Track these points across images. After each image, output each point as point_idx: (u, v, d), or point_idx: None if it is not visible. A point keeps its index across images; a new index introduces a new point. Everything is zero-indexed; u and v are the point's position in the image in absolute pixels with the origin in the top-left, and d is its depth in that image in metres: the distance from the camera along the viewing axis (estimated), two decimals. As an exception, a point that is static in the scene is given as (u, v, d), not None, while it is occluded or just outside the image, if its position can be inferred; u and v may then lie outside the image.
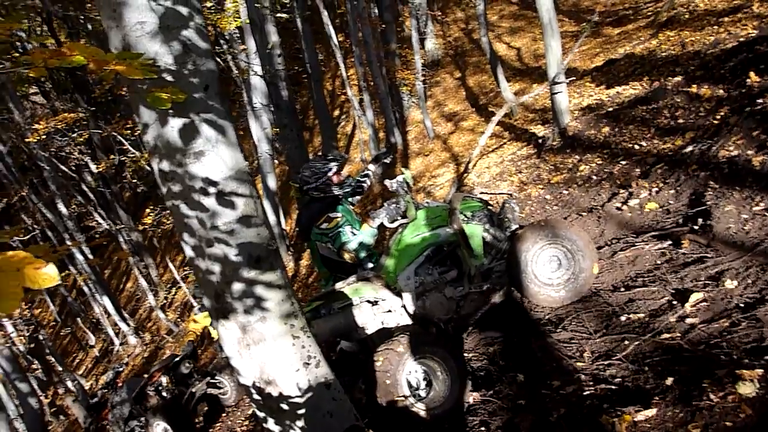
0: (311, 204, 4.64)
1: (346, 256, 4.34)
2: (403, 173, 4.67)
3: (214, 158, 2.64)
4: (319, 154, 14.61)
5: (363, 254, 4.40)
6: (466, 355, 4.59)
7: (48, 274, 1.38)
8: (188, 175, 2.64)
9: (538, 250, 4.31)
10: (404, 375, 3.90)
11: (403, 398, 3.81)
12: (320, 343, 3.95)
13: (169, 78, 2.51)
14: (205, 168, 2.64)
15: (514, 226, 4.71)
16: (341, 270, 4.61)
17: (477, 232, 4.52)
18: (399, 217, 4.52)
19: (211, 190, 2.66)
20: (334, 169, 4.62)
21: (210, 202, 2.68)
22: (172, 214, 2.86)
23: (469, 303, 4.55)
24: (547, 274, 4.39)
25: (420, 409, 3.86)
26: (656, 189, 5.38)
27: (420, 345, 3.98)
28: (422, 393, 4.00)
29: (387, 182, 4.63)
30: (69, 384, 13.61)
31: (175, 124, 2.56)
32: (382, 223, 4.46)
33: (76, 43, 1.92)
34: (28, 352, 14.19)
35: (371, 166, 5.15)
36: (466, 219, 4.53)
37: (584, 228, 5.62)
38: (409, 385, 3.95)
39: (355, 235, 4.40)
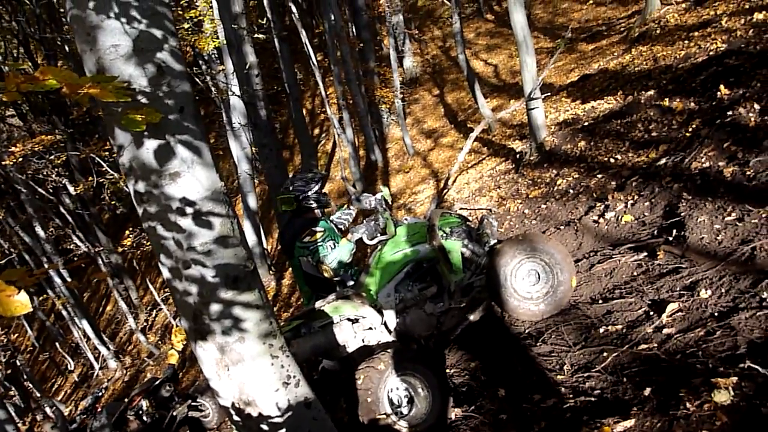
0: (294, 220, 4.66)
1: (324, 270, 4.35)
2: (381, 191, 4.70)
3: (190, 179, 2.64)
4: (298, 171, 14.63)
5: (340, 270, 4.41)
6: (447, 370, 4.60)
7: (20, 302, 1.38)
8: (164, 196, 2.63)
9: (516, 264, 4.32)
10: (385, 392, 3.88)
11: (384, 416, 3.78)
12: (301, 363, 3.94)
13: (143, 100, 2.51)
14: (181, 189, 2.63)
15: (492, 241, 4.76)
16: (324, 288, 4.61)
17: (456, 247, 4.54)
18: (378, 234, 4.53)
19: (188, 210, 2.65)
20: (322, 182, 4.74)
21: (186, 222, 2.67)
22: (148, 235, 2.85)
23: (450, 319, 4.58)
24: (526, 288, 4.41)
25: (402, 426, 3.83)
26: (632, 201, 5.45)
27: (401, 362, 3.96)
28: (404, 410, 3.97)
29: (365, 200, 4.65)
30: (48, 410, 13.35)
31: (150, 145, 2.56)
32: (361, 239, 4.48)
33: (50, 67, 1.91)
34: (4, 378, 13.92)
35: (353, 208, 5.14)
36: (444, 235, 4.56)
37: (562, 241, 5.68)
38: (391, 403, 3.93)
39: (333, 249, 4.42)
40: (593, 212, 5.83)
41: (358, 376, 3.87)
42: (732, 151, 4.88)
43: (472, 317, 4.59)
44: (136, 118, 2.30)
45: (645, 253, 4.60)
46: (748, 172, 4.49)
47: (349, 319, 4.42)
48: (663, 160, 5.71)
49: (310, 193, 4.62)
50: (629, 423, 2.97)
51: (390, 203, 4.72)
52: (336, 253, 4.41)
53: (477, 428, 3.75)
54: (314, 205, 4.65)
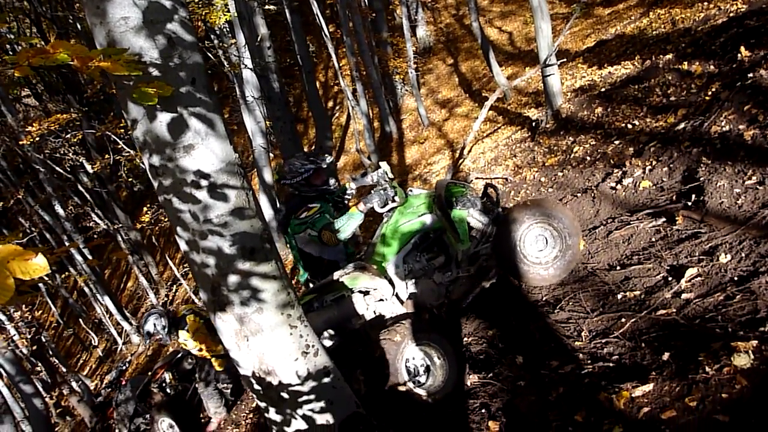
0: (293, 197, 4.68)
1: (326, 237, 4.31)
2: (380, 167, 4.67)
3: (205, 151, 2.65)
4: (310, 150, 14.60)
5: (343, 236, 4.39)
6: (465, 339, 4.62)
7: (38, 265, 1.39)
8: (179, 169, 2.64)
9: (525, 229, 4.36)
10: (403, 362, 3.92)
11: (403, 385, 3.83)
12: (319, 335, 4.01)
13: (155, 72, 2.51)
14: (196, 161, 2.64)
15: (497, 210, 4.77)
16: (318, 269, 4.63)
17: (462, 217, 4.55)
18: (389, 201, 4.53)
19: (203, 183, 2.67)
20: (311, 172, 4.64)
21: (202, 195, 2.68)
22: (165, 208, 2.87)
23: (459, 287, 4.61)
24: (535, 253, 4.45)
25: (421, 394, 3.89)
26: (649, 167, 5.38)
27: (416, 332, 4.01)
28: (422, 379, 4.03)
29: (369, 176, 4.63)
30: (74, 385, 13.66)
31: (164, 118, 2.57)
32: (372, 208, 4.47)
33: (61, 41, 1.91)
34: (31, 354, 14.21)
35: (353, 185, 5.11)
36: (450, 205, 4.56)
37: (579, 209, 5.64)
38: (409, 372, 3.97)
39: (340, 217, 4.43)
40: (610, 179, 5.77)
41: (376, 348, 3.90)
42: (752, 114, 4.79)
43: (482, 285, 4.60)
44: (148, 91, 2.31)
45: (663, 219, 4.55)
46: (768, 135, 4.42)
47: (360, 291, 4.44)
48: (682, 125, 5.62)
49: (290, 181, 4.60)
50: (648, 387, 2.97)
51: (391, 177, 4.69)
52: (344, 221, 4.40)
53: (495, 395, 3.77)
54: (293, 191, 4.64)
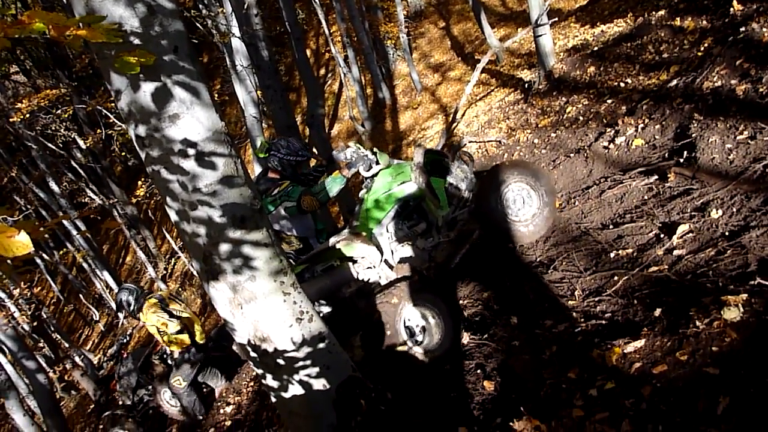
0: (260, 181, 4.64)
1: (307, 201, 4.29)
2: (348, 146, 4.64)
3: (191, 120, 2.62)
4: (303, 123, 14.50)
5: (325, 199, 4.37)
6: (461, 302, 4.65)
7: (20, 242, 1.39)
8: (165, 139, 2.62)
9: (504, 189, 4.53)
10: (402, 323, 3.99)
11: (403, 344, 3.90)
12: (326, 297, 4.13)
13: (136, 41, 2.47)
14: (182, 131, 2.62)
15: (469, 175, 4.86)
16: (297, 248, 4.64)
17: (440, 184, 4.64)
18: (374, 165, 4.53)
19: (190, 152, 2.65)
20: (305, 159, 4.69)
21: (190, 164, 2.67)
22: (153, 180, 2.86)
23: (441, 252, 4.69)
24: (514, 212, 4.63)
25: (419, 353, 3.96)
26: (642, 125, 5.37)
27: (412, 293, 4.07)
28: (419, 338, 4.10)
29: (340, 153, 4.57)
30: (77, 359, 13.77)
31: (147, 88, 2.54)
32: (357, 173, 4.50)
33: (37, 10, 1.88)
34: (32, 330, 14.29)
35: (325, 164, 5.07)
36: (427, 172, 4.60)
37: (572, 169, 5.64)
38: (408, 332, 4.03)
39: (324, 181, 4.44)
40: (603, 138, 5.75)
41: (374, 312, 3.94)
42: (745, 69, 4.76)
43: (466, 246, 4.70)
44: (130, 60, 2.28)
45: (656, 177, 4.56)
46: (761, 89, 4.39)
47: (350, 259, 4.46)
48: (674, 82, 5.59)
49: (281, 156, 4.59)
50: (639, 343, 3.00)
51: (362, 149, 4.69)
52: (326, 184, 4.41)
53: (490, 355, 3.81)
54: (276, 167, 4.61)
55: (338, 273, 4.41)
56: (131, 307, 6.69)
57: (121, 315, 16.92)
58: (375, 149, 4.58)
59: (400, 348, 3.86)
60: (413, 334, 4.10)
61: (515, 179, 4.59)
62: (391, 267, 4.45)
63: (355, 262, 4.47)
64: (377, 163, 4.55)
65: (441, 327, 4.08)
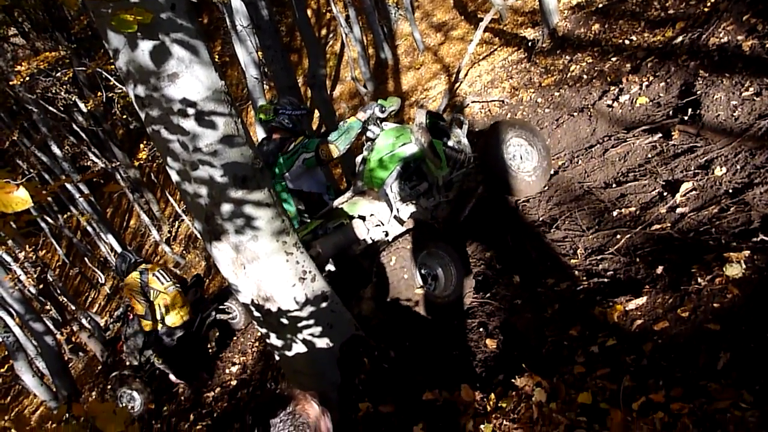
0: (267, 143, 4.61)
1: (325, 150, 4.26)
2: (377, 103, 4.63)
3: (190, 79, 2.60)
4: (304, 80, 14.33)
5: (343, 146, 4.34)
6: (464, 262, 4.67)
7: (19, 198, 1.38)
8: (165, 99, 2.60)
9: (505, 144, 4.73)
10: (418, 269, 4.04)
11: (420, 289, 3.94)
12: (327, 261, 4.15)
13: (133, -1, 2.43)
14: (181, 90, 2.59)
15: (463, 139, 4.92)
16: (308, 207, 4.63)
17: (438, 145, 4.69)
18: (388, 107, 4.56)
19: (190, 111, 2.62)
20: (305, 112, 4.73)
21: (190, 124, 2.65)
22: (153, 140, 2.84)
23: (441, 211, 4.77)
24: (516, 165, 4.81)
25: (435, 297, 4.03)
26: (647, 83, 5.30)
27: (427, 240, 4.18)
28: (432, 284, 4.20)
29: (361, 114, 4.56)
30: (84, 321, 13.89)
31: (145, 46, 2.50)
32: (372, 114, 4.51)
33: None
34: (39, 293, 14.39)
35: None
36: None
37: (576, 128, 5.59)
38: (422, 278, 4.10)
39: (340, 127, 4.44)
40: (607, 96, 5.69)
41: (390, 258, 3.99)
42: (751, 24, 4.68)
43: (473, 200, 4.90)
44: (127, 18, 2.24)
45: (660, 135, 4.52)
46: (767, 45, 4.33)
47: (360, 217, 4.47)
48: (680, 38, 5.50)
49: (290, 112, 4.59)
50: (641, 300, 3.02)
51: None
52: (341, 130, 4.38)
53: (492, 314, 3.84)
54: (288, 124, 4.59)
55: (349, 230, 4.42)
56: (123, 274, 6.76)
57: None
58: (382, 99, 4.63)
59: (417, 291, 3.91)
60: (427, 280, 4.18)
61: (515, 135, 4.83)
62: (401, 222, 4.47)
63: (364, 219, 4.48)
64: (387, 107, 4.59)
65: (453, 273, 4.19)
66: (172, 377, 6.96)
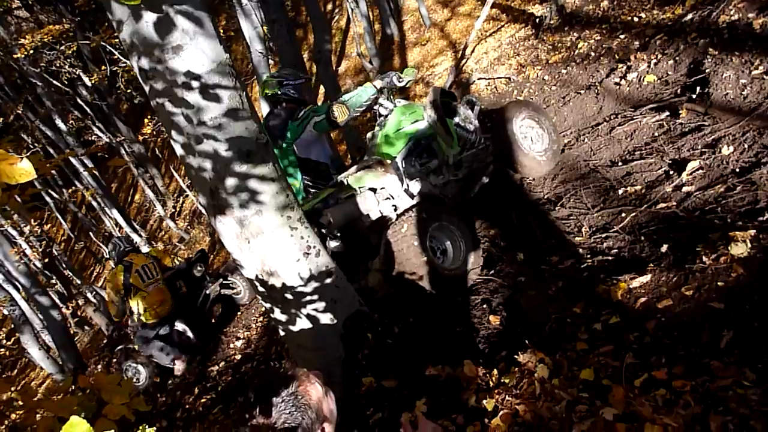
0: (274, 112, 4.61)
1: (338, 110, 4.22)
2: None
3: (194, 51, 2.58)
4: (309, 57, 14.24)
5: (354, 106, 4.33)
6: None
7: (23, 169, 1.38)
8: (169, 71, 2.58)
9: (519, 121, 4.79)
10: (428, 240, 4.05)
11: (431, 260, 3.96)
12: (338, 229, 4.22)
13: (136, -31, 2.40)
14: (186, 62, 2.57)
15: (474, 120, 4.89)
16: (315, 175, 4.63)
17: (450, 123, 4.65)
18: (405, 77, 4.55)
19: (194, 84, 2.61)
20: (304, 81, 4.76)
21: (194, 97, 2.63)
22: (158, 113, 2.83)
23: (450, 189, 4.74)
24: (528, 146, 4.83)
25: (443, 269, 4.05)
26: (655, 61, 5.25)
27: (439, 213, 4.22)
28: (441, 258, 4.23)
29: (378, 81, 4.54)
30: (89, 295, 13.97)
31: (149, 18, 2.48)
32: (390, 81, 4.49)
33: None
34: (44, 267, 14.46)
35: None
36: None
37: (582, 106, 5.56)
38: (432, 251, 4.13)
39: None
40: (615, 74, 5.64)
41: (401, 225, 4.02)
42: (763, 2, 4.62)
43: (483, 178, 4.82)
44: (130, -12, 2.22)
45: (667, 113, 4.48)
46: (779, 23, 4.28)
47: (371, 189, 4.47)
48: (689, 16, 5.43)
49: (294, 82, 4.61)
50: (645, 278, 3.02)
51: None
52: (355, 92, 4.39)
53: (496, 291, 3.84)
54: (294, 94, 4.59)
55: (360, 201, 4.43)
56: (114, 260, 6.98)
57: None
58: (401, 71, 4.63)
59: (428, 263, 3.93)
60: (436, 253, 4.20)
61: (527, 116, 4.89)
62: (411, 197, 4.47)
63: (375, 192, 4.48)
64: (405, 77, 4.58)
65: (462, 247, 4.22)
66: (165, 362, 7.03)
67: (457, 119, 4.76)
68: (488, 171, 4.82)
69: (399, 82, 4.49)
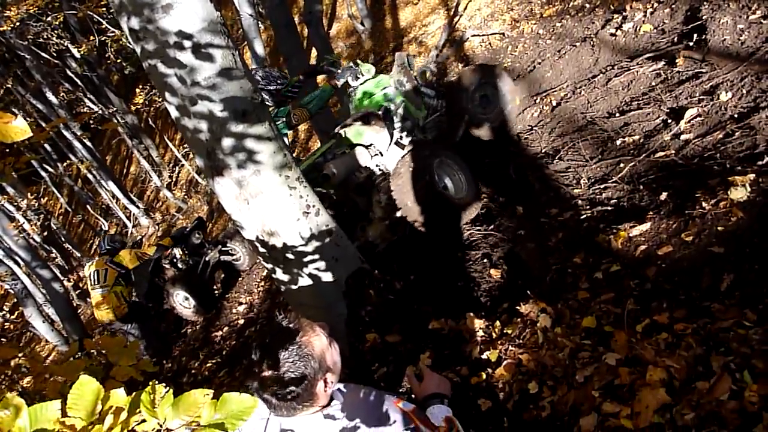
0: None
1: (297, 114, 4.51)
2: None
3: (184, 9, 2.53)
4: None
5: (315, 109, 4.64)
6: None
7: (18, 127, 1.36)
8: (160, 31, 2.55)
9: (472, 90, 4.95)
10: (435, 171, 4.17)
11: (442, 192, 4.13)
12: (342, 180, 4.38)
13: (121, -75, 2.35)
14: (176, 21, 2.53)
15: (430, 91, 5.13)
16: None
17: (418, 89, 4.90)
18: (360, 76, 4.79)
19: (186, 44, 2.57)
20: (280, 87, 4.78)
21: (187, 57, 2.60)
22: (150, 76, 2.79)
23: None
24: (481, 110, 5.07)
25: (453, 198, 4.22)
26: (651, 9, 5.17)
27: (436, 150, 4.36)
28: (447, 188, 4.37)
29: (334, 81, 4.77)
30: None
31: (137, -24, 2.44)
32: (346, 82, 4.78)
33: None
34: (43, 241, 14.47)
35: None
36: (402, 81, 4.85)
37: (578, 59, 5.49)
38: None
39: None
40: (610, 25, 5.56)
41: (405, 169, 4.12)
42: (759, -55, 4.54)
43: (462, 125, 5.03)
44: (117, -55, 2.17)
45: (664, 62, 4.43)
46: (776, -34, 4.21)
47: (363, 145, 4.52)
48: (685, -38, 5.35)
49: (263, 86, 4.66)
50: (645, 226, 3.02)
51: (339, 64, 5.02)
52: (314, 95, 4.66)
53: (496, 245, 3.85)
54: (269, 102, 4.66)
55: (356, 155, 4.52)
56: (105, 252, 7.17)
57: (130, 227, 17.13)
58: (358, 61, 4.86)
59: (440, 192, 4.09)
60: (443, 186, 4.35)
61: (482, 78, 5.04)
62: (402, 147, 4.53)
63: (367, 148, 4.55)
64: (362, 74, 4.81)
65: (464, 180, 4.36)
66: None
67: (421, 86, 4.96)
68: (466, 119, 5.00)
69: (355, 81, 4.78)
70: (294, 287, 3.26)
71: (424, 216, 4.01)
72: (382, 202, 4.27)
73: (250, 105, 2.82)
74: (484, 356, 2.78)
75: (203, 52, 2.61)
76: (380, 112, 4.60)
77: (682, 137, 3.55)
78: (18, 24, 12.86)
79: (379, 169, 4.54)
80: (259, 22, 9.86)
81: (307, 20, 8.42)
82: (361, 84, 4.83)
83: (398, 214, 4.10)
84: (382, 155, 4.55)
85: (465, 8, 10.22)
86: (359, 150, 4.50)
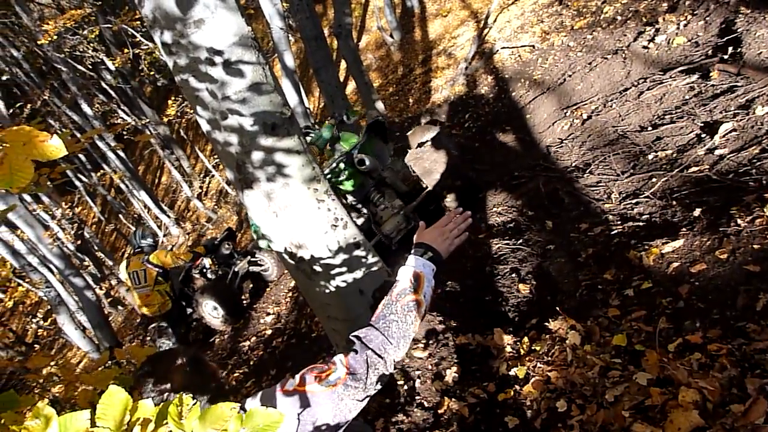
0: None
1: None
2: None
3: (216, 25, 2.56)
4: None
5: (321, 144, 5.20)
6: (495, 209, 4.64)
7: (54, 146, 1.38)
8: (192, 46, 2.58)
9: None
10: None
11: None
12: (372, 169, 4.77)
13: (156, -57, 2.39)
14: (208, 36, 2.56)
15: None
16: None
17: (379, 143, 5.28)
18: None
19: (217, 59, 2.60)
20: None
21: (217, 72, 2.62)
22: (182, 89, 2.83)
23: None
24: None
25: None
26: (684, 22, 5.11)
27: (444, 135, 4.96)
28: None
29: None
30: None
31: (170, -8, 2.47)
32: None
33: None
34: (77, 249, 14.72)
35: None
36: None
37: (609, 71, 5.45)
38: None
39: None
40: (642, 38, 5.51)
41: (426, 149, 4.70)
42: (797, -44, 4.46)
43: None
44: (151, -38, 2.21)
45: (698, 75, 4.37)
46: (813, -23, 4.13)
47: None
48: (719, -26, 5.27)
49: None
50: (678, 243, 2.97)
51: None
52: (320, 132, 5.21)
53: (524, 259, 3.81)
54: None
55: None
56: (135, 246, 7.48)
57: (161, 236, 17.35)
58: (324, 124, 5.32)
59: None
60: None
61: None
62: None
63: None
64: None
65: None
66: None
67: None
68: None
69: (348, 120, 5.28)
70: (321, 299, 3.26)
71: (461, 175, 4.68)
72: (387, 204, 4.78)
73: (279, 119, 2.83)
74: (511, 373, 2.75)
75: (234, 67, 2.63)
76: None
77: (717, 152, 3.48)
78: (55, 37, 13.19)
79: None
80: (290, 35, 9.95)
81: (337, 33, 8.49)
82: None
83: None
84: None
85: (495, 20, 10.20)
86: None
